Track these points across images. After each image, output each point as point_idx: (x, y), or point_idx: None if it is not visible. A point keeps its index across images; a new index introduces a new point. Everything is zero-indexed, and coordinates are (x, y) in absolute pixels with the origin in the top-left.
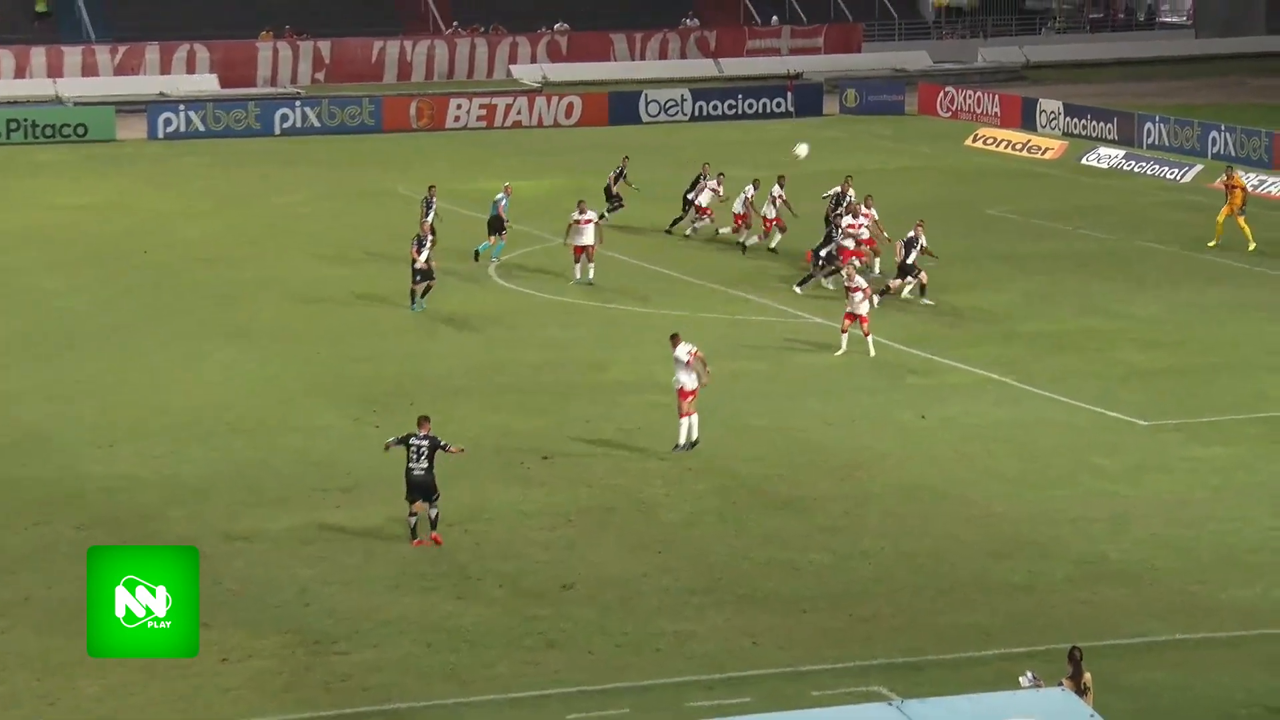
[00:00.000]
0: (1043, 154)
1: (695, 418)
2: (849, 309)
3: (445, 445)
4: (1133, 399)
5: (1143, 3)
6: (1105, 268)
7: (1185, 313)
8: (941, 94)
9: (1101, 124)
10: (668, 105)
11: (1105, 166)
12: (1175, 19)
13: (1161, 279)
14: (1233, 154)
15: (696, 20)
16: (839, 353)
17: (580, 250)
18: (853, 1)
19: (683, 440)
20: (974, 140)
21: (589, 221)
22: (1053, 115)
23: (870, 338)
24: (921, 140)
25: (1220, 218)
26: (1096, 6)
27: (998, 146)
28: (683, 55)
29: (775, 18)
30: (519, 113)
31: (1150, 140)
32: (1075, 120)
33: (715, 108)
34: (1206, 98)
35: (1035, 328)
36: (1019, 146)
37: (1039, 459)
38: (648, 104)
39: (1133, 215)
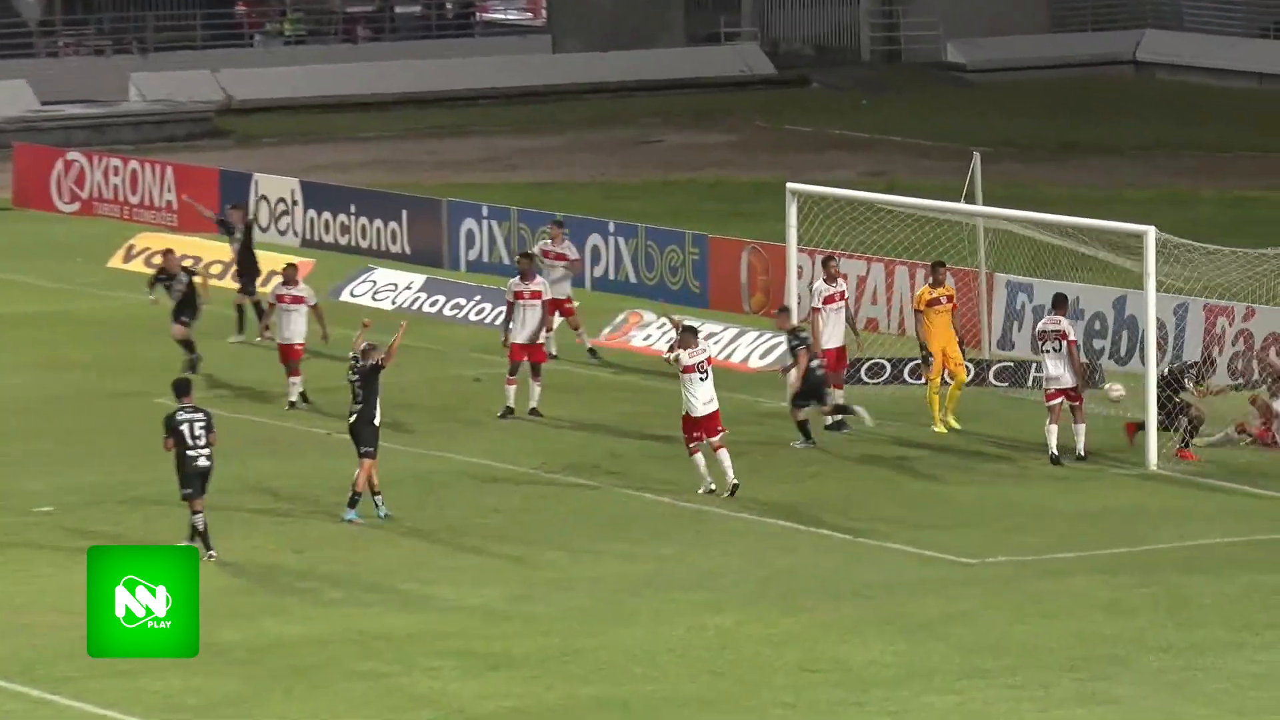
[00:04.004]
0: (265, 284)
1: None
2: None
3: None
4: None
5: None
6: None
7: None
8: (61, 165)
9: (377, 222)
10: None
11: (387, 307)
12: (515, 16)
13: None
14: (633, 280)
15: None
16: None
17: None
18: None
19: None
20: (129, 258)
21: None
22: (282, 206)
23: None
24: (53, 260)
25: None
26: None
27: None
28: None
29: None
30: None
31: (473, 255)
32: (324, 216)
33: None
34: (573, 168)
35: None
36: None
37: None
38: None
39: (446, 408)
